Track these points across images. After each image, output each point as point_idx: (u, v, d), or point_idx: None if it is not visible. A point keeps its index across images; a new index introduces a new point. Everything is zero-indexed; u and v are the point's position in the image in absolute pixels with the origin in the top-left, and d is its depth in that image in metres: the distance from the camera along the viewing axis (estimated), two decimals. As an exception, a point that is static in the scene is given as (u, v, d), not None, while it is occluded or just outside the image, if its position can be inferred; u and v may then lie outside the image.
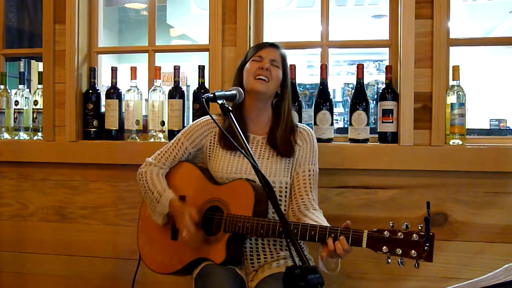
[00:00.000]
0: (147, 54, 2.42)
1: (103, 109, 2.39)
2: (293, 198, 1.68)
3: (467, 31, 4.94)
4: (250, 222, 1.52)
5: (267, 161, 1.70)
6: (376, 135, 2.13)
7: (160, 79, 2.33)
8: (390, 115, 2.07)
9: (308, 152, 1.74)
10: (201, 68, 2.26)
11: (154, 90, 2.31)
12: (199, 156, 1.81)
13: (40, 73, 2.45)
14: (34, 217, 2.42)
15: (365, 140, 2.09)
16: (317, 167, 1.75)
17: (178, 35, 5.52)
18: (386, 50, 2.21)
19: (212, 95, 1.41)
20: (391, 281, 2.07)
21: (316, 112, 2.13)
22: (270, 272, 1.60)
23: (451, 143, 2.03)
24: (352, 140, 2.11)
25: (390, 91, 2.09)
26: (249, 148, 1.32)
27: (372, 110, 2.26)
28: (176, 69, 2.31)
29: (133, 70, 2.35)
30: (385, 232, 1.33)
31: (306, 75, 5.51)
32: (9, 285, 2.44)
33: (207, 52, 2.25)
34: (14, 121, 2.47)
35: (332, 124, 2.13)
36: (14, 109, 2.47)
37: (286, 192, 1.70)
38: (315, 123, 2.13)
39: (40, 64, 2.56)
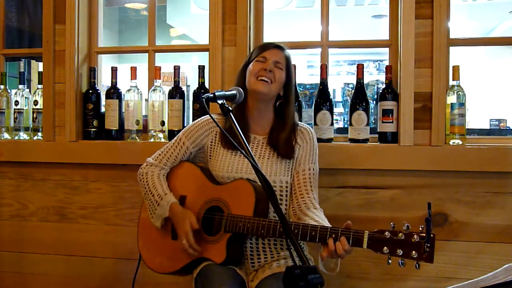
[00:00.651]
0: (147, 54, 2.42)
1: (103, 109, 2.39)
2: (294, 197, 1.68)
3: (467, 31, 4.93)
4: (250, 222, 1.52)
5: (268, 161, 1.70)
6: (376, 135, 2.13)
7: (160, 79, 2.33)
8: (390, 115, 2.07)
9: (308, 151, 1.73)
10: (201, 68, 2.26)
11: (154, 90, 2.31)
12: (200, 155, 1.80)
13: (40, 73, 2.45)
14: (34, 217, 2.41)
15: (365, 140, 2.09)
16: (318, 166, 1.75)
17: (178, 35, 5.51)
18: (386, 50, 2.22)
19: (212, 95, 1.41)
20: (391, 281, 2.07)
21: (316, 112, 2.13)
22: (271, 272, 1.60)
23: (451, 143, 2.03)
24: (352, 140, 2.11)
25: (390, 91, 2.09)
26: (249, 148, 1.32)
27: (372, 110, 2.26)
28: (176, 69, 2.31)
29: (133, 70, 2.35)
30: (386, 233, 1.32)
31: (306, 75, 5.52)
32: (9, 285, 2.44)
33: (207, 52, 2.26)
34: (14, 121, 2.47)
35: (332, 124, 2.13)
36: (14, 109, 2.47)
37: (286, 191, 1.70)
38: (315, 123, 2.13)
39: (40, 64, 2.56)
